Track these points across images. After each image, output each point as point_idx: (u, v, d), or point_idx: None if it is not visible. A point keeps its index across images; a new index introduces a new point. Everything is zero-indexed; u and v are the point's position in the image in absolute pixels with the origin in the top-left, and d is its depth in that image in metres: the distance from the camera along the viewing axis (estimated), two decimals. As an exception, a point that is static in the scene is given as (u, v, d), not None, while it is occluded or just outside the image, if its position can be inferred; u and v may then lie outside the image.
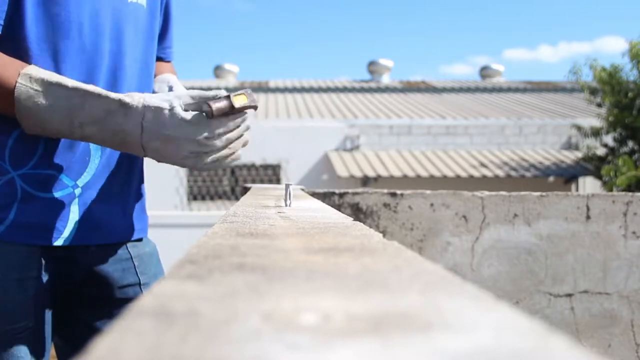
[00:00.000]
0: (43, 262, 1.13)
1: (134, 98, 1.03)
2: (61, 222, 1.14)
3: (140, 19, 1.23)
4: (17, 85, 0.99)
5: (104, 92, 1.02)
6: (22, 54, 1.05)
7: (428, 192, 1.96)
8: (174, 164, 1.07)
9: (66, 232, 1.15)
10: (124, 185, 1.25)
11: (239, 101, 1.09)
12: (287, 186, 1.02)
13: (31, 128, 1.03)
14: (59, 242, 1.14)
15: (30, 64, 1.05)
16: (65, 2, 1.08)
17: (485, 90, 17.44)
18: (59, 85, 1.00)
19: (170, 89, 1.29)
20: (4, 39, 1.05)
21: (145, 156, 1.07)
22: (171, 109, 1.03)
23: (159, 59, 1.41)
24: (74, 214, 1.16)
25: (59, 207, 1.13)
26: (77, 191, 1.15)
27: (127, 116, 1.01)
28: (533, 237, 1.93)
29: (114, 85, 1.15)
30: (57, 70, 1.08)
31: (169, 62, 1.44)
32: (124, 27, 1.17)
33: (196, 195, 12.05)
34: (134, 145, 1.03)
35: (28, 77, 1.00)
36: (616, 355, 1.92)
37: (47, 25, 1.07)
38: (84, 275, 1.21)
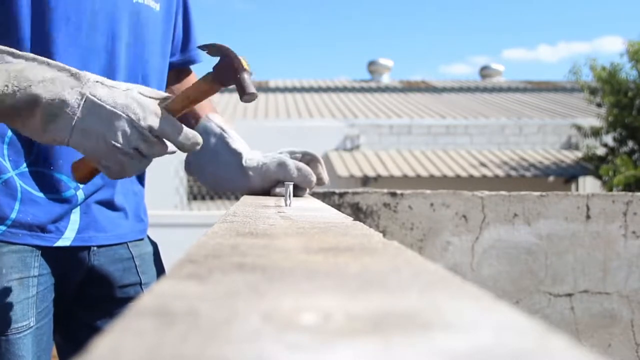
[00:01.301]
0: (44, 262, 1.13)
1: (88, 74, 0.92)
2: (62, 223, 1.14)
3: (155, 22, 1.22)
4: None
5: (53, 61, 0.92)
6: (14, 45, 1.04)
7: (428, 191, 1.96)
8: (96, 157, 0.92)
9: (67, 233, 1.15)
10: (125, 186, 1.25)
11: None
12: (287, 186, 1.02)
13: None
14: (60, 243, 1.14)
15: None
16: None
17: (485, 90, 17.44)
18: (6, 52, 0.92)
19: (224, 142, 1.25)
20: None
21: (65, 143, 0.91)
22: (129, 89, 0.92)
23: (185, 62, 1.41)
24: (75, 214, 1.16)
25: (61, 208, 1.13)
26: (80, 193, 1.15)
27: (71, 85, 0.89)
28: (533, 236, 1.93)
29: None
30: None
31: (191, 71, 1.44)
32: (124, 26, 1.16)
33: (196, 195, 12.05)
34: (65, 121, 0.88)
35: None
36: (616, 355, 1.92)
37: (43, 18, 1.06)
38: (84, 275, 1.21)
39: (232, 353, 0.22)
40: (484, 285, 1.85)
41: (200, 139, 0.96)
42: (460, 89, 17.61)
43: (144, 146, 0.91)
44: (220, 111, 13.59)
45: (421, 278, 0.36)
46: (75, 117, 0.88)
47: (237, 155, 1.24)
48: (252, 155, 1.25)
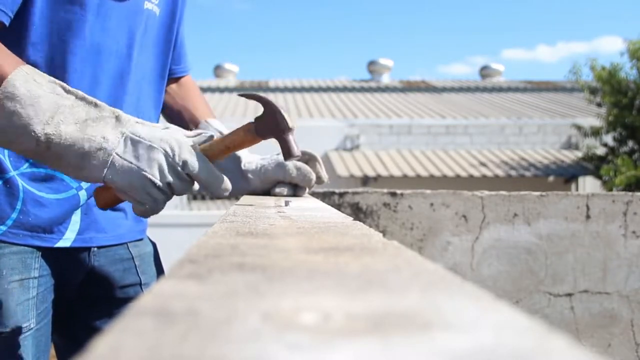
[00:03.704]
0: (44, 263, 1.13)
1: (129, 116, 0.94)
2: (64, 224, 1.14)
3: (153, 27, 1.23)
4: (18, 70, 0.91)
5: (100, 102, 0.94)
6: (28, 48, 1.05)
7: (428, 191, 1.96)
8: (131, 194, 0.92)
9: (68, 234, 1.15)
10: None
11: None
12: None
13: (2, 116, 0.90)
14: (60, 244, 1.14)
15: (36, 58, 1.05)
16: (79, 1, 1.08)
17: (485, 90, 17.44)
18: (59, 85, 0.93)
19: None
20: (12, 31, 1.04)
21: (101, 179, 0.91)
22: (168, 128, 0.96)
23: (185, 70, 1.41)
24: (76, 215, 1.16)
25: (63, 208, 1.13)
26: (82, 193, 1.15)
27: (112, 125, 0.91)
28: (533, 236, 1.93)
29: (119, 88, 1.15)
30: (63, 65, 1.07)
31: (187, 75, 1.45)
32: (135, 32, 1.17)
33: (196, 194, 12.05)
34: (103, 157, 0.89)
35: (31, 69, 0.93)
36: (616, 355, 1.92)
37: (58, 22, 1.07)
38: (85, 276, 1.21)
39: (232, 353, 0.22)
40: (484, 285, 1.85)
41: (229, 185, 0.97)
42: (460, 89, 17.61)
43: (176, 182, 0.92)
44: (220, 110, 13.51)
45: (421, 278, 0.36)
46: (113, 154, 0.90)
47: (236, 159, 1.25)
48: (251, 159, 1.26)
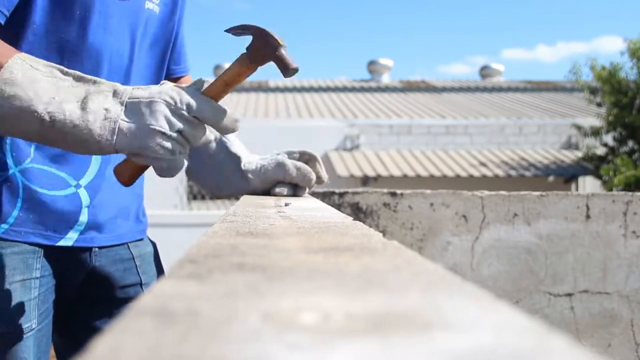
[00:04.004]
0: (46, 263, 1.13)
1: (126, 87, 0.94)
2: (66, 223, 1.14)
3: (152, 26, 1.23)
4: (14, 57, 0.91)
5: (99, 79, 0.94)
6: (27, 47, 1.05)
7: (428, 191, 1.96)
8: (145, 153, 0.91)
9: (71, 234, 1.15)
10: (129, 188, 1.25)
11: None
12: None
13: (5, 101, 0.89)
14: (62, 243, 1.14)
15: (36, 57, 1.05)
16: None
17: (485, 89, 17.44)
18: (56, 68, 0.94)
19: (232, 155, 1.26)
20: (11, 30, 1.04)
21: (112, 149, 0.91)
22: (163, 83, 0.96)
23: (185, 70, 1.41)
24: (83, 216, 1.16)
25: (63, 206, 1.13)
26: (81, 191, 1.15)
27: (112, 98, 0.91)
28: (533, 236, 1.93)
29: None
30: (63, 65, 1.07)
31: (187, 75, 1.44)
32: (136, 31, 1.18)
33: (196, 194, 12.05)
34: (108, 129, 0.89)
35: (26, 56, 0.94)
36: (616, 355, 1.92)
37: (59, 20, 1.07)
38: (86, 276, 1.21)
39: (232, 353, 0.22)
40: (484, 285, 1.85)
41: (237, 117, 0.96)
42: (460, 89, 17.61)
43: (186, 128, 0.91)
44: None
45: (421, 278, 0.36)
46: (119, 120, 0.89)
47: (236, 159, 1.25)
48: (251, 159, 1.26)
